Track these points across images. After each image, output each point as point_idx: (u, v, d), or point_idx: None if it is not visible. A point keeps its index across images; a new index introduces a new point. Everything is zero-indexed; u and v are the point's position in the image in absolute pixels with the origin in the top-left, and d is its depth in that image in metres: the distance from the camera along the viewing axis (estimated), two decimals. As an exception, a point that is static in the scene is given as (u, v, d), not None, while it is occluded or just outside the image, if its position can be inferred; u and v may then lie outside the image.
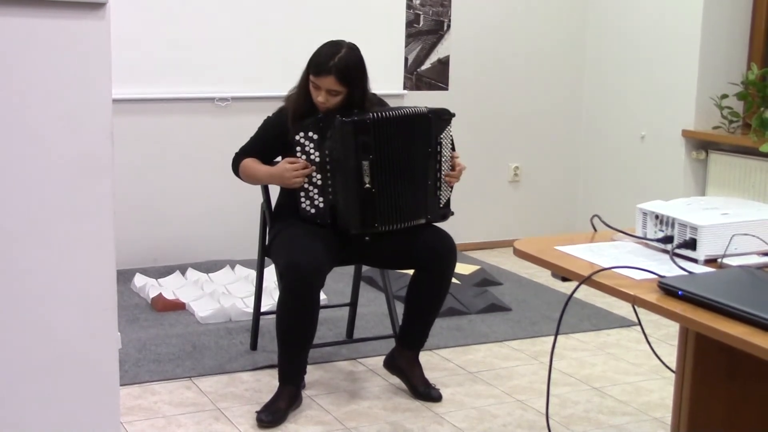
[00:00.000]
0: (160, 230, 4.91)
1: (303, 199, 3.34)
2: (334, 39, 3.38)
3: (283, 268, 3.24)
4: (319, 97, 3.30)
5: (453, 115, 3.45)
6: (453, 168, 3.44)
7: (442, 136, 3.40)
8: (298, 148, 3.31)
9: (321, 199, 3.32)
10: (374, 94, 3.46)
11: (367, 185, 3.29)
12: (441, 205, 3.44)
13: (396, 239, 3.40)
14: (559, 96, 5.79)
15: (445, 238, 3.39)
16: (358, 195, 3.29)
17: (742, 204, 2.46)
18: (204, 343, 3.87)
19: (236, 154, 3.49)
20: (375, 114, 3.30)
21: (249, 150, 3.47)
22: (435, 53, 5.46)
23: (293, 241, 3.28)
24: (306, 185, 3.33)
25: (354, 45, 3.36)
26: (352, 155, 3.27)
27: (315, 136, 3.29)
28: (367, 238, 3.39)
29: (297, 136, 3.30)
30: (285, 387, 3.27)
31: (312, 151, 3.30)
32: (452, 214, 3.48)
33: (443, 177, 3.41)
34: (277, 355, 3.28)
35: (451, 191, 3.47)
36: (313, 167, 3.30)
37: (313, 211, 3.34)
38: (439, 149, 3.39)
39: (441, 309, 3.52)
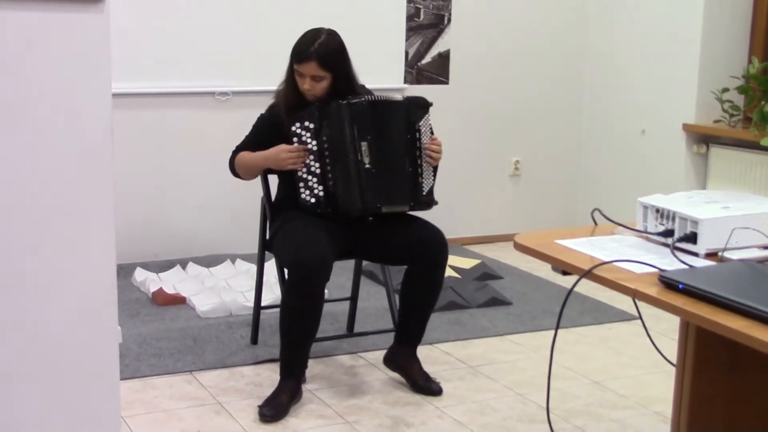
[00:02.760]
0: (161, 225, 4.91)
1: (302, 189, 3.35)
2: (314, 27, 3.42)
3: (289, 262, 3.24)
4: (305, 85, 3.34)
5: (431, 104, 3.46)
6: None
7: (420, 123, 3.41)
8: (295, 139, 3.33)
9: (320, 187, 3.33)
10: (363, 85, 3.49)
11: (368, 165, 3.31)
12: (424, 193, 3.43)
13: (387, 234, 3.40)
14: (560, 90, 5.78)
15: (436, 233, 3.39)
16: (359, 175, 3.31)
17: (743, 198, 2.46)
18: (205, 337, 3.87)
19: (232, 152, 3.52)
20: (370, 97, 3.37)
21: (244, 147, 3.50)
22: (435, 47, 5.46)
23: (297, 235, 3.28)
24: (304, 175, 3.34)
25: (333, 31, 3.41)
26: (351, 137, 3.30)
27: (311, 126, 3.32)
28: (370, 218, 3.39)
29: (293, 126, 3.32)
30: (286, 381, 3.27)
31: (309, 140, 3.32)
32: (436, 203, 3.48)
33: (424, 159, 3.41)
34: (280, 349, 3.28)
35: (433, 179, 3.47)
36: (311, 155, 3.31)
37: (312, 200, 3.34)
38: (418, 136, 3.41)
39: (436, 303, 3.52)
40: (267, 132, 3.45)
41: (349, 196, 3.32)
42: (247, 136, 3.53)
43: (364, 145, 3.31)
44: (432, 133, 3.46)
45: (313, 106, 3.33)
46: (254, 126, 3.54)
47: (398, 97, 3.45)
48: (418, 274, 3.39)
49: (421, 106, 3.44)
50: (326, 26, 3.50)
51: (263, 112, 3.52)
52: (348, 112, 3.30)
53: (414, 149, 3.40)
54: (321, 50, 3.30)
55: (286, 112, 3.37)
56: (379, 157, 3.34)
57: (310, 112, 3.33)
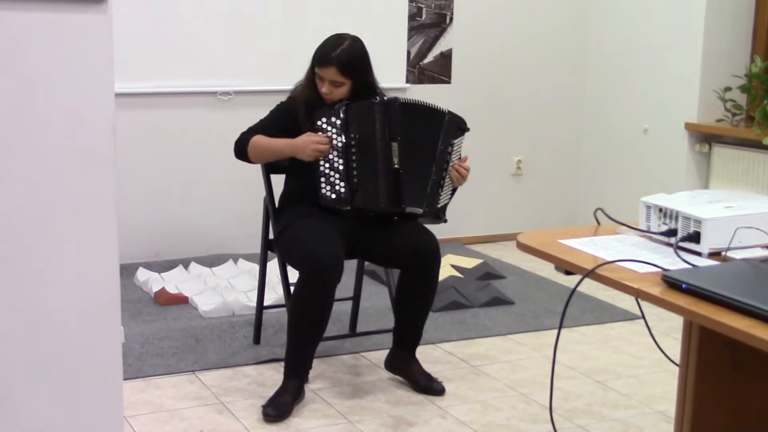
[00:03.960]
0: (163, 224, 4.91)
1: (323, 185, 3.33)
2: (339, 32, 3.42)
3: (301, 261, 3.22)
4: (323, 88, 3.35)
5: (468, 129, 3.48)
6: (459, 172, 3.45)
7: (455, 141, 3.42)
8: (320, 134, 3.32)
9: (343, 183, 3.32)
10: (383, 92, 3.48)
11: (396, 166, 3.32)
12: (438, 206, 3.43)
13: (382, 236, 3.39)
14: (562, 89, 5.78)
15: (428, 238, 3.38)
16: (388, 174, 3.31)
17: (746, 197, 2.46)
18: (207, 337, 3.87)
19: (243, 133, 3.45)
20: (403, 98, 3.38)
21: (260, 130, 3.43)
22: (437, 46, 5.46)
23: (308, 234, 3.27)
24: (327, 170, 3.32)
25: (358, 38, 3.40)
26: (382, 135, 3.30)
27: (338, 122, 3.31)
28: (395, 217, 3.39)
29: (319, 121, 3.32)
30: (290, 381, 3.27)
31: (335, 136, 3.31)
32: (445, 221, 3.48)
33: (449, 173, 3.40)
34: (286, 348, 3.28)
35: (450, 199, 3.47)
36: (335, 151, 3.30)
37: (333, 196, 3.33)
38: (450, 151, 3.40)
39: (433, 305, 3.52)
40: (286, 121, 3.42)
41: (376, 194, 3.31)
42: (262, 120, 3.47)
43: (394, 145, 3.31)
44: (460, 156, 3.46)
45: (341, 102, 3.33)
46: (273, 112, 3.49)
47: (441, 107, 3.44)
48: (412, 280, 3.38)
49: (461, 127, 3.45)
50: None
51: (283, 101, 3.50)
52: (382, 110, 3.31)
53: (442, 162, 3.39)
54: (342, 57, 3.31)
55: (306, 111, 3.37)
56: (407, 158, 3.34)
57: (337, 108, 3.32)
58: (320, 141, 3.29)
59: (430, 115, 3.41)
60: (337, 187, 3.32)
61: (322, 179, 3.33)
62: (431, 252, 3.36)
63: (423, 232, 3.39)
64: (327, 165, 3.32)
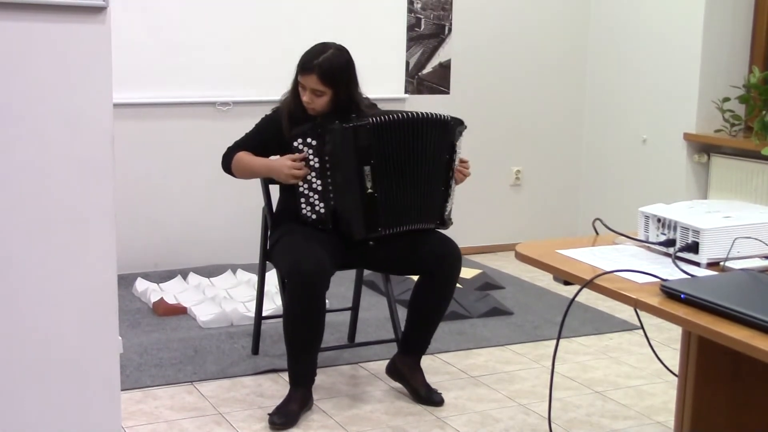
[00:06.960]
0: (162, 234, 4.91)
1: (303, 205, 3.33)
2: (326, 41, 3.40)
3: (287, 272, 3.23)
4: (304, 97, 3.33)
5: (466, 126, 3.45)
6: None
7: (457, 144, 3.41)
8: (297, 155, 3.31)
9: (322, 204, 3.32)
10: (368, 99, 3.46)
11: (369, 190, 3.29)
12: (446, 213, 3.43)
13: (401, 244, 3.39)
14: (561, 99, 5.79)
15: (450, 245, 3.38)
16: (361, 200, 3.28)
17: (744, 207, 2.46)
18: (205, 347, 3.87)
19: (229, 148, 3.48)
20: (375, 118, 3.29)
21: (244, 145, 3.46)
22: (436, 57, 5.46)
23: (296, 245, 3.27)
24: (306, 191, 3.32)
25: (343, 47, 3.37)
26: (353, 161, 3.26)
27: (314, 142, 3.29)
28: (371, 243, 3.38)
29: (295, 142, 3.30)
30: (297, 389, 3.26)
31: (311, 156, 3.30)
32: (452, 223, 3.48)
33: (454, 177, 3.41)
34: (287, 359, 3.28)
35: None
36: (312, 172, 3.29)
37: (314, 216, 3.33)
38: (454, 157, 3.40)
39: (444, 315, 3.52)
40: (269, 134, 3.43)
41: (351, 221, 3.30)
42: (247, 134, 3.49)
43: (366, 169, 3.26)
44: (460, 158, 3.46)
45: (316, 123, 3.30)
46: (257, 126, 3.50)
47: (439, 114, 3.37)
48: (431, 286, 3.38)
49: (460, 130, 3.41)
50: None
51: (267, 113, 3.50)
52: (350, 135, 3.25)
53: (448, 170, 3.38)
54: (324, 65, 3.27)
55: (289, 120, 3.37)
56: (385, 180, 3.29)
57: (313, 129, 3.29)
58: (296, 166, 3.28)
59: (419, 125, 3.33)
60: (316, 208, 3.31)
61: (302, 200, 3.32)
62: (456, 255, 3.37)
63: (446, 240, 3.40)
64: (306, 186, 3.31)
